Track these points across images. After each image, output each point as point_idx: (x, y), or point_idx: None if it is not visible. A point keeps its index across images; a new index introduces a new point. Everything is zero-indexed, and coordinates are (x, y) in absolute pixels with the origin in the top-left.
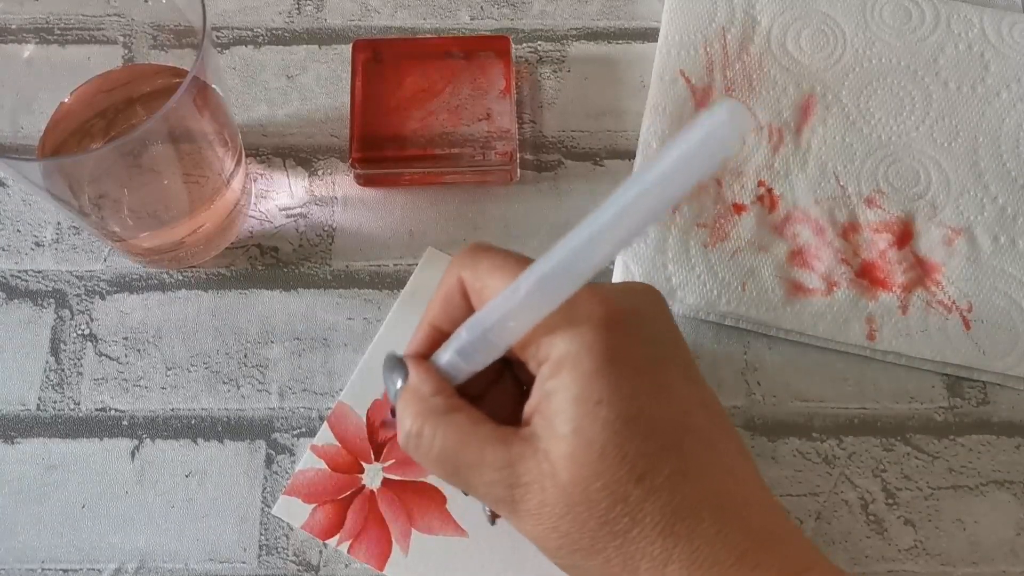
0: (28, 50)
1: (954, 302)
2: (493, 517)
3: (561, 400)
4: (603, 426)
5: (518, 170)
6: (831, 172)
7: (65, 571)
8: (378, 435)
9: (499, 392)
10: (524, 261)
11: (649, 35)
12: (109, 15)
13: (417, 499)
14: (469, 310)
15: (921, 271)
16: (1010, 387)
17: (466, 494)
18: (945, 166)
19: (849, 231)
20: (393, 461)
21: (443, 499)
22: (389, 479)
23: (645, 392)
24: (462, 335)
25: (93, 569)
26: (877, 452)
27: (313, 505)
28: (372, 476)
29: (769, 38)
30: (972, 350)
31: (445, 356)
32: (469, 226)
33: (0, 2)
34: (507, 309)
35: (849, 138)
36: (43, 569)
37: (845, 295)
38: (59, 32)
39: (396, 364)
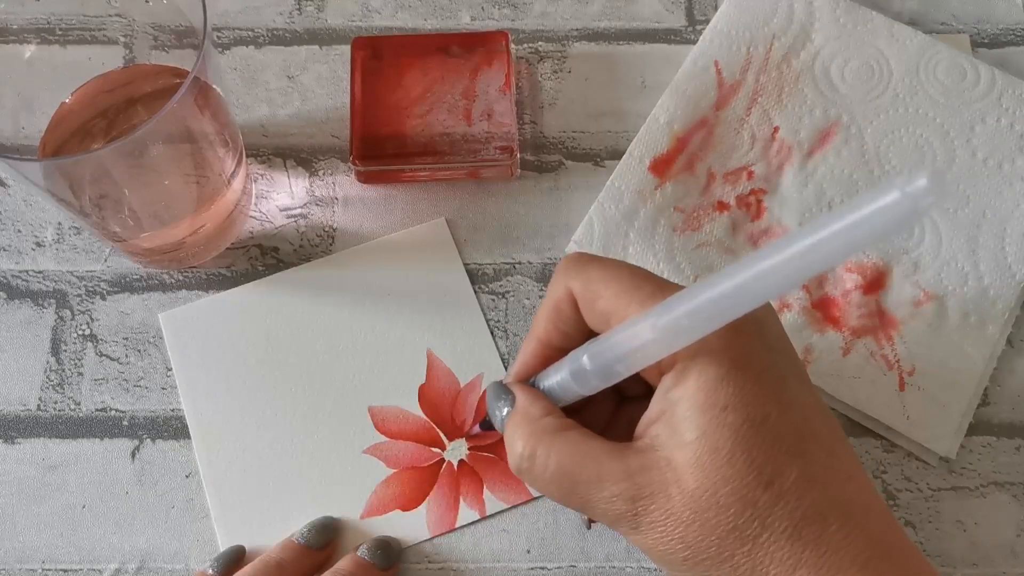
0: (29, 50)
1: (899, 361)
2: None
3: (686, 408)
4: (730, 431)
5: (519, 166)
6: (827, 201)
7: (65, 571)
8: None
9: (594, 407)
10: (635, 270)
11: (650, 35)
12: (110, 15)
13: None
14: (580, 321)
15: (878, 322)
16: (1011, 388)
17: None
18: (943, 231)
19: None
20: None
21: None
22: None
23: (769, 398)
24: (583, 361)
25: (93, 569)
26: (878, 453)
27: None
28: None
29: (816, 58)
30: (898, 412)
31: (556, 377)
32: (469, 227)
33: (1, 2)
34: (641, 341)
35: (857, 175)
36: (43, 569)
37: (793, 319)
38: (60, 32)
39: (501, 391)
